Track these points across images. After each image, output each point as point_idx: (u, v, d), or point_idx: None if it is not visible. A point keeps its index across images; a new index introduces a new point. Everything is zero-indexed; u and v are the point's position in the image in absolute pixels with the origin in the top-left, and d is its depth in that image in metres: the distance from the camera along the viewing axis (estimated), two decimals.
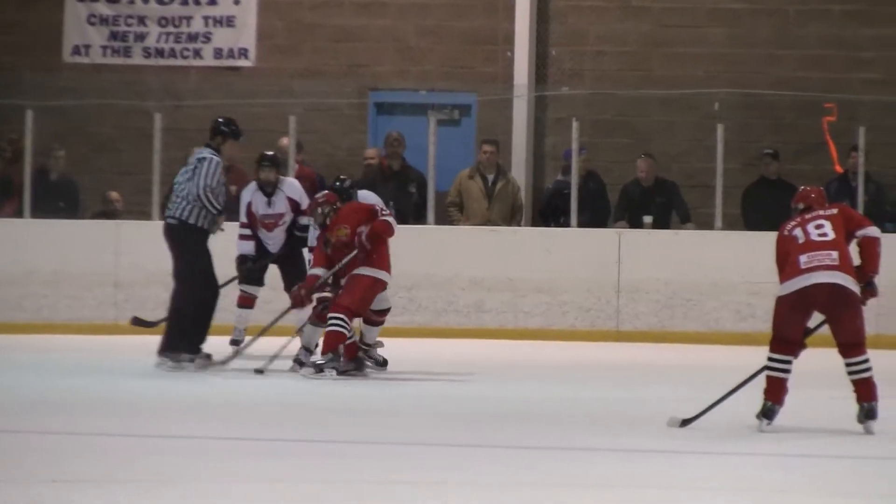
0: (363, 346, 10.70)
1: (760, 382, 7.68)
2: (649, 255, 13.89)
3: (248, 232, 11.45)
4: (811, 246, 7.54)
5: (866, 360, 7.55)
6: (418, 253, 13.23)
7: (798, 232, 7.54)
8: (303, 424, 8.08)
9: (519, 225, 15.11)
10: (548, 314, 13.39)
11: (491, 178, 13.94)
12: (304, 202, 11.39)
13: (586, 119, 14.49)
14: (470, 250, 14.08)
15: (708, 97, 14.55)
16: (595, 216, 14.54)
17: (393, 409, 9.21)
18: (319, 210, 10.51)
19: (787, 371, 7.26)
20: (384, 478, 5.52)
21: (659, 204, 14.86)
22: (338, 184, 11.16)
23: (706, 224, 14.32)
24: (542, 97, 15.24)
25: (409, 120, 14.95)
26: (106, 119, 15.32)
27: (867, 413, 7.48)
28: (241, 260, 11.34)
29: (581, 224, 13.96)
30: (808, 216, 7.61)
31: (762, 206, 14.36)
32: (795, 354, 7.41)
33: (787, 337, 7.70)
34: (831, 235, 7.37)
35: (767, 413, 7.33)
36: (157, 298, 12.37)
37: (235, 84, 14.92)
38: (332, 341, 10.16)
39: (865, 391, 7.62)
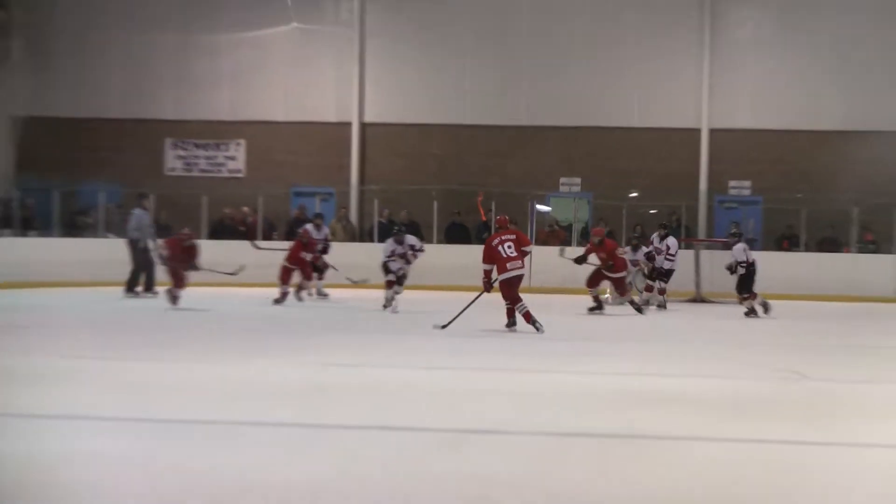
0: None
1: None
2: None
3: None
4: (508, 258, 14.56)
5: (523, 306, 14.35)
6: None
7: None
8: None
9: None
10: None
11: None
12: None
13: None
14: None
15: None
16: None
17: None
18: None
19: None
20: None
21: None
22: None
23: None
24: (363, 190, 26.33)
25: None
26: (181, 201, 25.33)
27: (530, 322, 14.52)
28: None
29: None
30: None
31: None
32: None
33: (509, 297, 14.62)
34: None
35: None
36: None
37: (239, 185, 26.71)
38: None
39: (526, 317, 14.38)
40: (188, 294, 18.23)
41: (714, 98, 26.30)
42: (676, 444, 8.04)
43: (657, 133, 26.34)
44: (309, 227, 20.04)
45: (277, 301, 19.10)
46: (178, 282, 18.02)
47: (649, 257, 20.57)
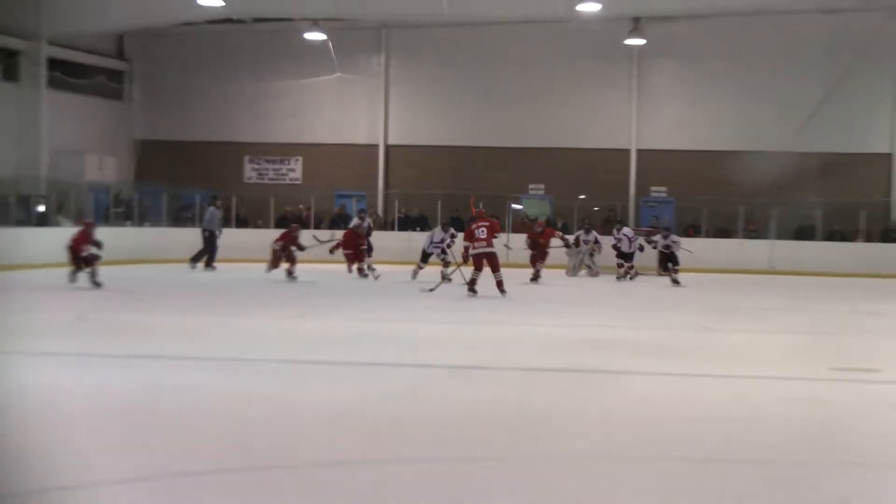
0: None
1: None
2: None
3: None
4: (478, 238, 14.53)
5: (500, 275, 14.38)
6: None
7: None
8: None
9: None
10: None
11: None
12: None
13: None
14: None
15: None
16: None
17: None
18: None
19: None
20: None
21: None
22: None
23: None
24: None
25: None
26: (255, 201, 25.43)
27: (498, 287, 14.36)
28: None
29: None
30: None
31: None
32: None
33: (478, 267, 14.44)
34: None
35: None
36: None
37: (296, 190, 26.20)
38: None
39: (499, 284, 14.30)
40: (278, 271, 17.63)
41: (640, 127, 25.85)
42: (615, 377, 8.11)
43: (599, 152, 25.80)
44: (356, 220, 18.97)
45: (361, 273, 18.26)
46: (293, 262, 17.43)
47: (595, 241, 20.53)
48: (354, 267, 18.45)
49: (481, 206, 16.79)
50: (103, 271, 14.96)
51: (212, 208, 20.72)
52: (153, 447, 5.29)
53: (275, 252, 17.47)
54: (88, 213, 21.90)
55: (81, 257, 14.86)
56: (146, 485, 4.66)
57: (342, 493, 4.59)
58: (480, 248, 14.91)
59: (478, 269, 14.87)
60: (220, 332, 10.37)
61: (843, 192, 23.41)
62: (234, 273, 19.12)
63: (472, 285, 14.78)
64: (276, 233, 18.87)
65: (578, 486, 4.80)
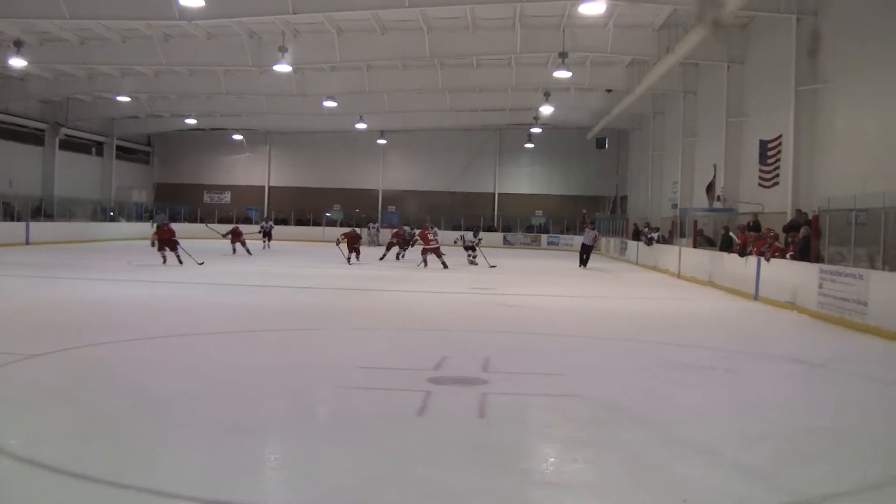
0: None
1: None
2: None
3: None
4: (430, 239, 24.31)
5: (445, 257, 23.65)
6: None
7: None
8: None
9: None
10: None
11: None
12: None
13: None
14: None
15: None
16: None
17: None
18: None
19: None
20: None
21: None
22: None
23: None
24: None
25: None
26: (211, 213, 53.83)
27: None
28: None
29: None
30: None
31: None
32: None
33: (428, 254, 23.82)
34: None
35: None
36: None
37: (227, 206, 55.47)
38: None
39: (444, 263, 23.42)
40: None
41: (500, 182, 50.75)
42: (384, 292, 15.73)
43: (481, 195, 50.38)
44: (263, 223, 39.20)
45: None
46: (244, 244, 29.04)
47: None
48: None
49: (430, 220, 29.34)
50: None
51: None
52: (171, 322, 11.46)
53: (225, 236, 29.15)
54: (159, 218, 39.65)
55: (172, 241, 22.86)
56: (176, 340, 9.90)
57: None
58: (433, 245, 23.20)
59: (428, 255, 22.96)
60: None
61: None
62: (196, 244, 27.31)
63: (424, 260, 22.83)
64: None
65: (354, 342, 9.72)
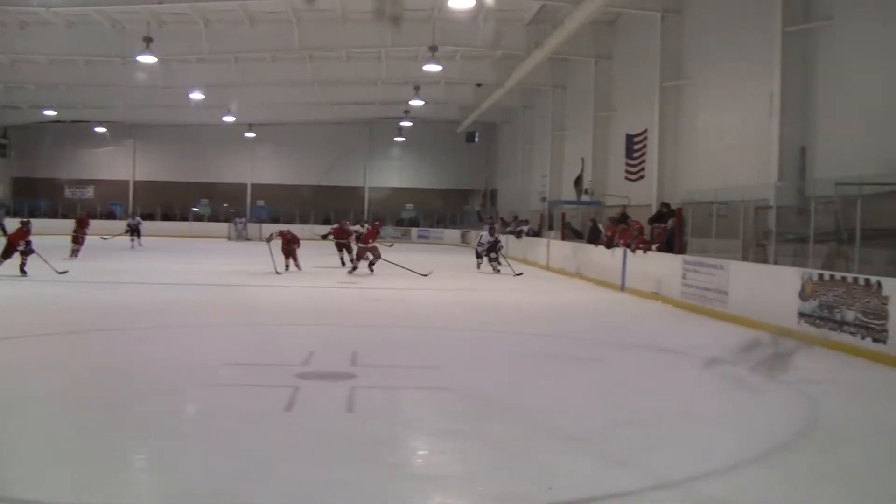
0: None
1: None
2: None
3: None
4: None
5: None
6: None
7: None
8: None
9: None
10: None
11: None
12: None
13: None
14: None
15: None
16: None
17: None
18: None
19: None
20: None
21: None
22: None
23: None
24: None
25: None
26: (72, 208, 53.69)
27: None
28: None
29: None
30: None
31: None
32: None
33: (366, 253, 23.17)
34: None
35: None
36: None
37: (90, 201, 54.74)
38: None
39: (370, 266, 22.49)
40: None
41: (371, 175, 52.06)
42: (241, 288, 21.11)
43: (351, 188, 51.84)
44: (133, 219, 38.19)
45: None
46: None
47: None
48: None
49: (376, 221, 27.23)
50: None
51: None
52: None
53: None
54: None
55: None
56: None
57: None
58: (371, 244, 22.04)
59: (368, 255, 21.85)
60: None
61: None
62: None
63: (356, 266, 21.91)
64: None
65: (220, 339, 11.56)
